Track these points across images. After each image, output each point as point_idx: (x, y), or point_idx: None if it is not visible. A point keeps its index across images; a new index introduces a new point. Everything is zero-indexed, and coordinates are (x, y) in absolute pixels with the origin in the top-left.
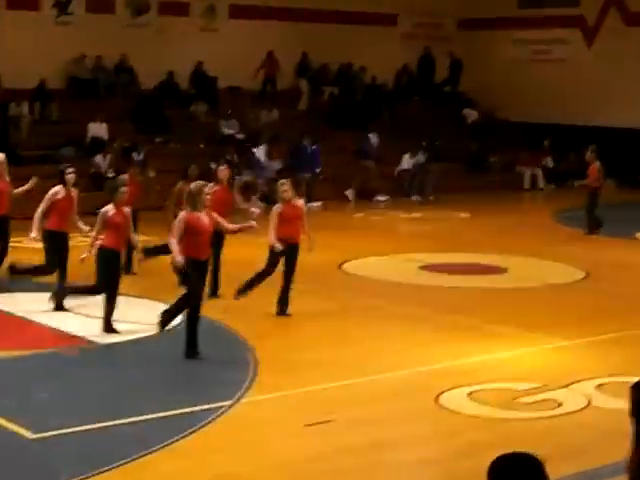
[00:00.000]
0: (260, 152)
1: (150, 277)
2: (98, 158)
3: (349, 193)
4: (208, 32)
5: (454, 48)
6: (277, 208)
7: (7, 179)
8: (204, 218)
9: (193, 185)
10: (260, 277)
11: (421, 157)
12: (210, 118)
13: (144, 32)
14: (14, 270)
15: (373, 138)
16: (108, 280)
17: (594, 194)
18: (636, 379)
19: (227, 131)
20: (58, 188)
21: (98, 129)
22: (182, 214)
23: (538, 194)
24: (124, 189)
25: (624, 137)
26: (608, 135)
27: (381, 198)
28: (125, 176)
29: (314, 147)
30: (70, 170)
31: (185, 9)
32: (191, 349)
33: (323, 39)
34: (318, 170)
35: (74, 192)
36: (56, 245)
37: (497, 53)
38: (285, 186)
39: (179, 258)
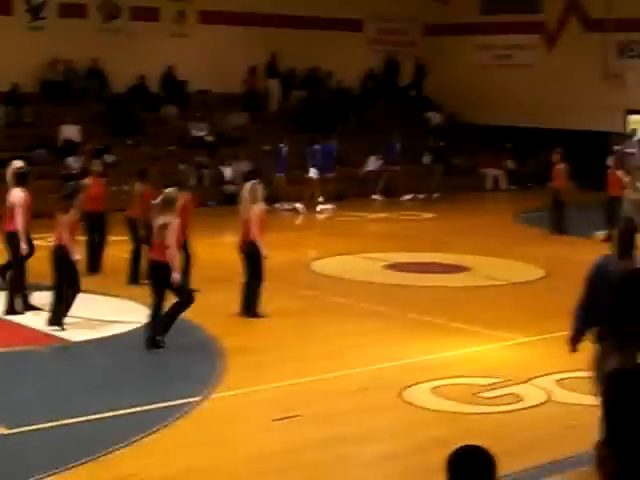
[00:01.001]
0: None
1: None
2: (70, 160)
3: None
4: (178, 37)
5: (419, 53)
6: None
7: None
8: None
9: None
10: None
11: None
12: (180, 121)
13: (116, 37)
14: None
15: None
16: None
17: (559, 195)
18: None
19: (196, 133)
20: (22, 192)
21: (70, 131)
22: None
23: (500, 195)
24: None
25: (581, 139)
26: (567, 137)
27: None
28: (86, 180)
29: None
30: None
31: (156, 14)
32: (159, 338)
33: (291, 44)
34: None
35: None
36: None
37: (461, 58)
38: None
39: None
